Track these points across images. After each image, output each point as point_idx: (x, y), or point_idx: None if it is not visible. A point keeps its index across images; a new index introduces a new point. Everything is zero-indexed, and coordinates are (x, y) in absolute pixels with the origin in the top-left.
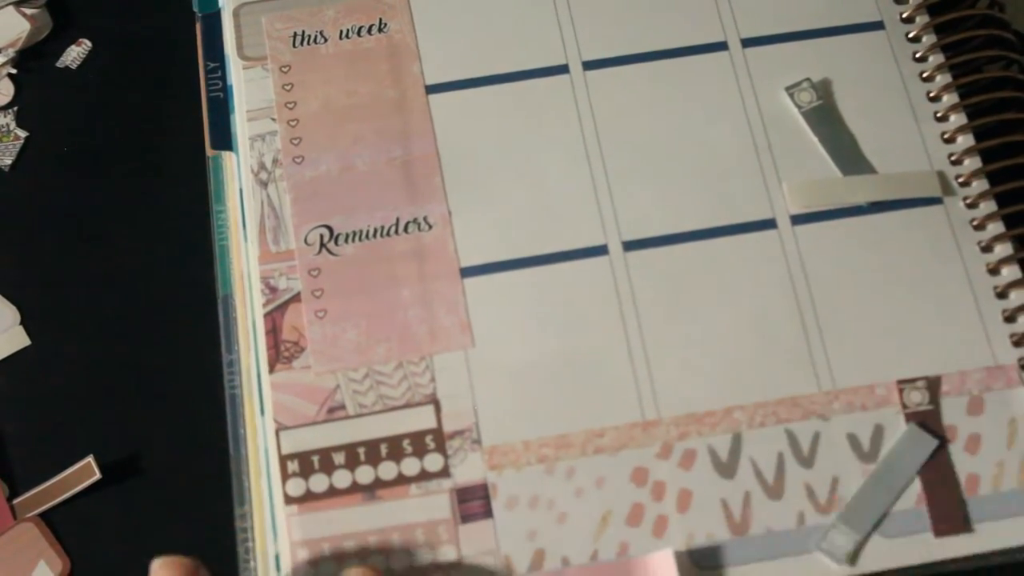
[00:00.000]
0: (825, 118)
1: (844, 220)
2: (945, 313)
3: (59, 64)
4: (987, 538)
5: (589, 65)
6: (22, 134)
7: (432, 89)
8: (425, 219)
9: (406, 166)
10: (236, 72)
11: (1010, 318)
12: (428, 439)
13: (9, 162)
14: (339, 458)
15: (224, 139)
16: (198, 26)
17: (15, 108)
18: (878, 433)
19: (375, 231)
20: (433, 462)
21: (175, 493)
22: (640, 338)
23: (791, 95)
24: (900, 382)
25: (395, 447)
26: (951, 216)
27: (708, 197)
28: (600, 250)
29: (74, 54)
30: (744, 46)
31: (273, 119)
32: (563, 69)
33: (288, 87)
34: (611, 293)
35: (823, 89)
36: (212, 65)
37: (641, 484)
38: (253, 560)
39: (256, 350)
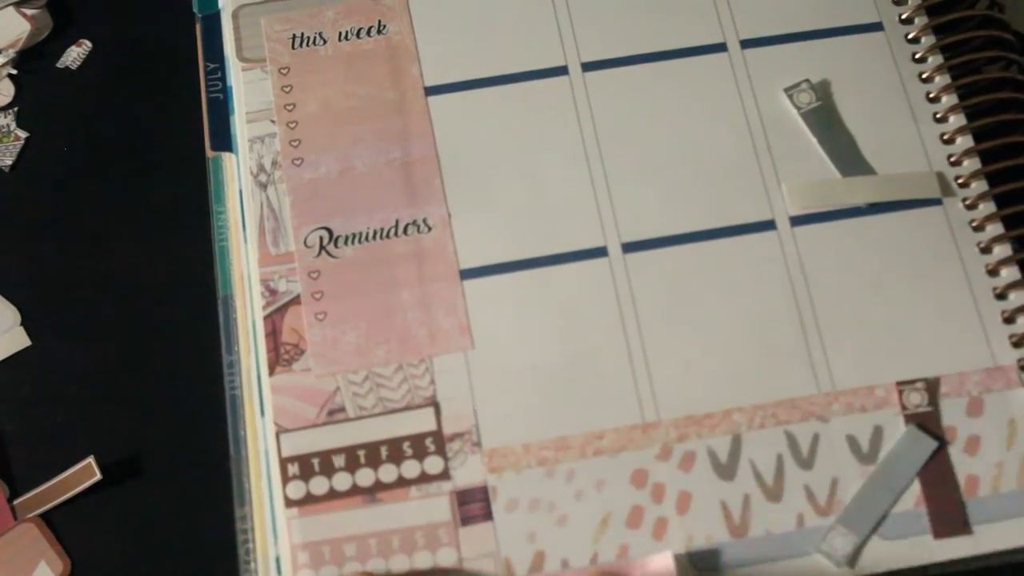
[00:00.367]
0: (824, 119)
1: (843, 221)
2: (944, 314)
3: (59, 64)
4: (987, 539)
5: (588, 66)
6: (22, 134)
7: (431, 91)
8: (424, 221)
9: (405, 168)
10: (235, 74)
11: (1009, 319)
12: (428, 441)
13: (9, 162)
14: (339, 461)
15: (224, 140)
16: (198, 27)
17: (15, 108)
18: (877, 434)
19: (374, 233)
20: (433, 465)
21: (175, 493)
22: (639, 340)
23: (790, 96)
24: (899, 383)
25: (395, 450)
26: (950, 217)
27: (707, 198)
28: (599, 252)
29: (74, 55)
30: (743, 47)
31: (272, 121)
32: (562, 70)
33: (287, 89)
34: (611, 295)
35: (822, 90)
36: (212, 66)
37: (641, 486)
38: (254, 561)
39: (256, 351)
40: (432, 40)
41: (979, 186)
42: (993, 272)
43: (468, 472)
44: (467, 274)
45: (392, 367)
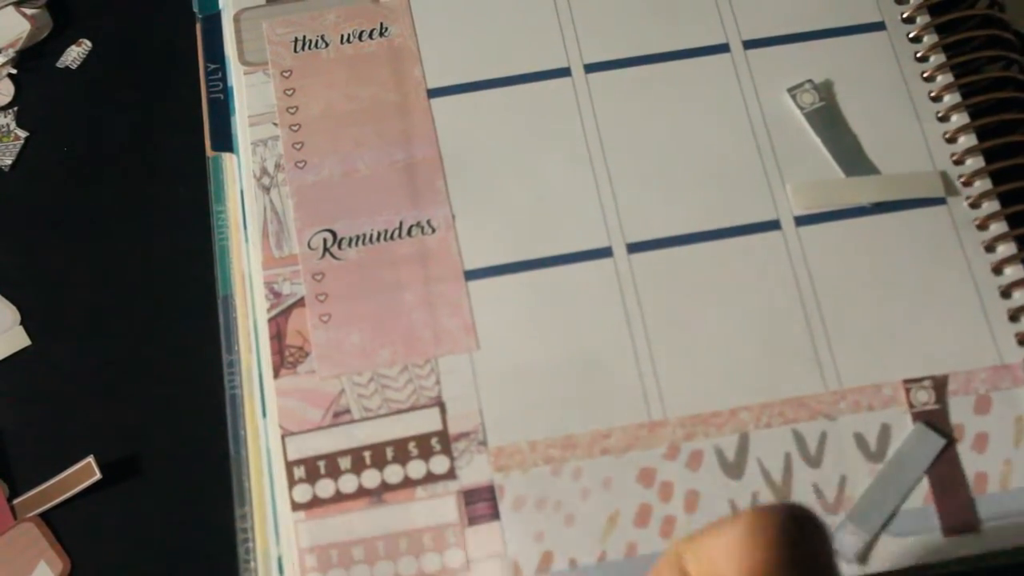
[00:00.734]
0: (827, 119)
1: (848, 221)
2: (950, 312)
3: (59, 64)
4: (996, 537)
5: (591, 68)
6: (22, 134)
7: (434, 93)
8: (428, 222)
9: (409, 170)
10: (237, 77)
11: (1015, 317)
12: (434, 442)
13: (9, 162)
14: (345, 463)
15: (224, 141)
16: (198, 27)
17: (15, 108)
18: (885, 432)
19: (378, 235)
20: (439, 464)
21: (175, 493)
22: (645, 339)
23: (793, 96)
24: (906, 381)
25: (401, 450)
26: (954, 216)
27: (711, 199)
28: (604, 252)
29: (74, 54)
30: (746, 48)
31: (275, 124)
32: (565, 72)
33: (290, 92)
34: (616, 295)
35: (825, 90)
36: (212, 67)
37: (648, 485)
38: (254, 561)
39: (258, 352)
40: (434, 42)
41: (982, 185)
42: (998, 270)
43: (474, 471)
44: (471, 275)
45: (397, 368)
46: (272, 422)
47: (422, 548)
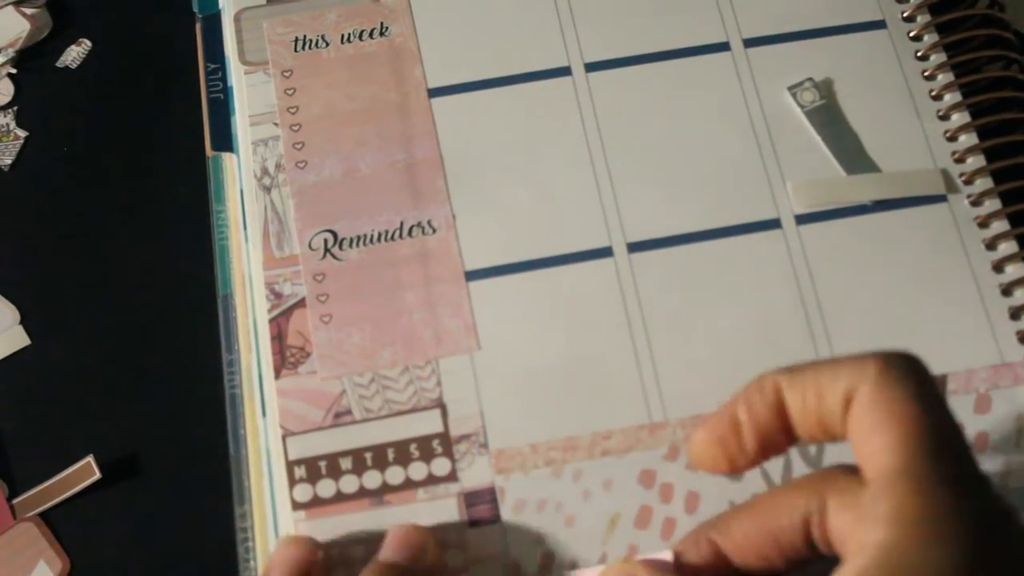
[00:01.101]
0: (828, 117)
1: (848, 219)
2: (950, 311)
3: (59, 64)
4: None
5: (591, 67)
6: (22, 134)
7: (434, 92)
8: (429, 223)
9: (409, 170)
10: (237, 77)
11: (1016, 315)
12: (435, 443)
13: (9, 162)
14: (346, 463)
15: (224, 140)
16: (198, 27)
17: (15, 108)
18: None
19: (379, 235)
20: (440, 466)
21: (175, 493)
22: (646, 339)
23: (794, 95)
24: None
25: (402, 452)
26: (955, 214)
27: (712, 197)
28: (605, 252)
29: (74, 54)
30: (746, 46)
31: (275, 124)
32: (565, 71)
33: (290, 92)
34: (616, 295)
35: (825, 88)
36: (212, 66)
37: (649, 486)
38: (253, 560)
39: (258, 351)
40: (435, 42)
41: (984, 183)
42: (999, 268)
43: (475, 473)
44: (472, 275)
45: (398, 369)
46: (273, 422)
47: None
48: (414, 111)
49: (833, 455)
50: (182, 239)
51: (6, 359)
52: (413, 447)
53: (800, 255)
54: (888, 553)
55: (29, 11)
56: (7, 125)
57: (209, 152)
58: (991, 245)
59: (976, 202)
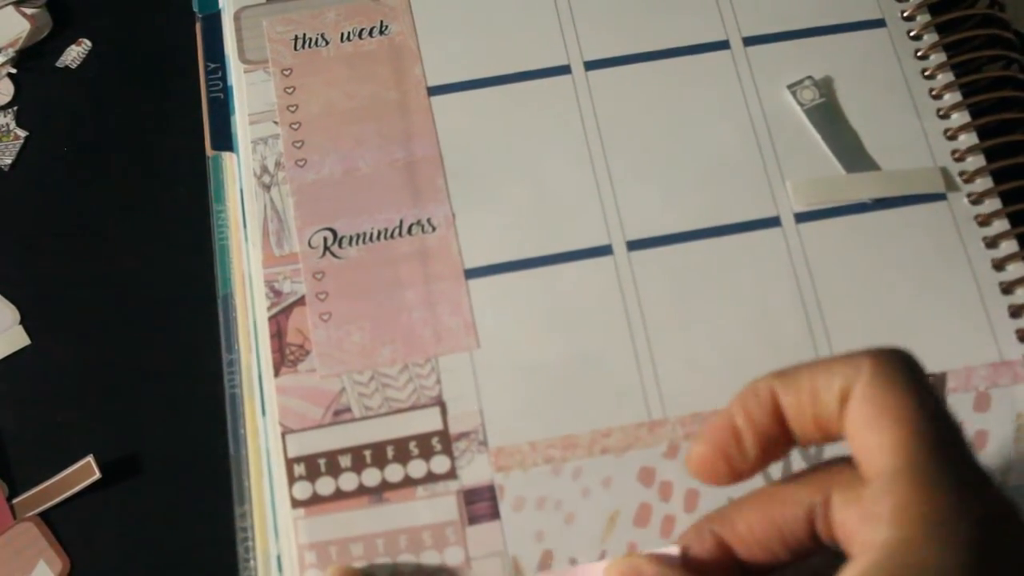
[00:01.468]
0: (827, 115)
1: (848, 217)
2: (950, 309)
3: (59, 64)
4: None
5: (591, 65)
6: (22, 134)
7: (434, 91)
8: (428, 221)
9: (409, 168)
10: (237, 75)
11: (1016, 313)
12: (434, 441)
13: (9, 162)
14: (345, 461)
15: (224, 140)
16: (198, 27)
17: (15, 108)
18: None
19: (379, 233)
20: (440, 464)
21: (175, 493)
22: (645, 338)
23: (793, 93)
24: None
25: (401, 449)
26: (955, 212)
27: (712, 196)
28: (604, 250)
29: (74, 54)
30: (746, 44)
31: (275, 122)
32: (565, 69)
33: (290, 90)
34: (616, 293)
35: (825, 87)
36: (212, 66)
37: (648, 484)
38: (253, 560)
39: (257, 351)
40: (434, 40)
41: (984, 182)
42: (999, 267)
43: (475, 471)
44: (472, 273)
45: (398, 367)
46: (272, 420)
47: (422, 546)
48: (414, 109)
49: (831, 451)
50: (182, 239)
51: (6, 359)
52: (412, 445)
53: (800, 253)
54: (892, 553)
55: (29, 11)
56: (7, 125)
57: (209, 152)
58: (992, 243)
59: (976, 200)
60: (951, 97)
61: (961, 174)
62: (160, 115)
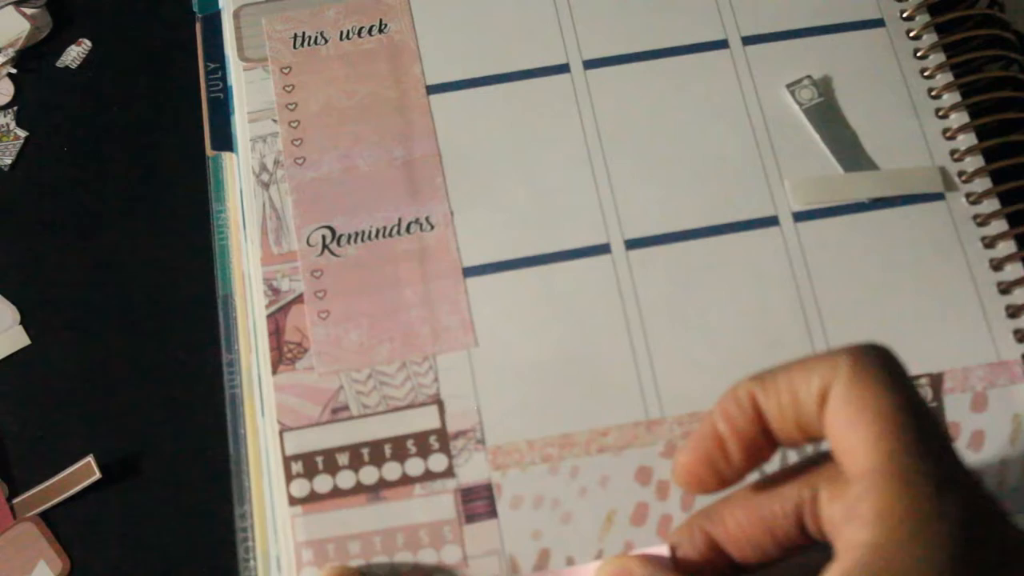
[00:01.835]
0: (826, 115)
1: (846, 217)
2: (948, 309)
3: (59, 64)
4: None
5: (590, 64)
6: (22, 134)
7: (433, 89)
8: (427, 219)
9: (408, 166)
10: (236, 74)
11: (1014, 313)
12: (432, 439)
13: (9, 162)
14: (343, 459)
15: (224, 140)
16: (198, 27)
17: (15, 108)
18: None
19: (377, 231)
20: (437, 462)
21: (175, 493)
22: (643, 336)
23: (792, 92)
24: None
25: (399, 447)
26: (953, 212)
27: (710, 195)
28: (602, 249)
29: (74, 54)
30: (745, 44)
31: (274, 120)
32: (564, 68)
33: (289, 88)
34: (614, 292)
35: (824, 86)
36: (212, 66)
37: (645, 483)
38: (253, 560)
39: (257, 350)
40: (433, 39)
41: (982, 182)
42: (997, 267)
43: (472, 469)
44: (470, 272)
45: (395, 365)
46: (270, 417)
47: (419, 544)
48: (412, 108)
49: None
50: (182, 239)
51: (6, 359)
52: (410, 443)
53: (798, 252)
54: (873, 554)
55: (29, 11)
56: (7, 125)
57: (209, 152)
58: (990, 244)
59: (975, 200)
60: (950, 97)
61: (960, 174)
62: (160, 115)
